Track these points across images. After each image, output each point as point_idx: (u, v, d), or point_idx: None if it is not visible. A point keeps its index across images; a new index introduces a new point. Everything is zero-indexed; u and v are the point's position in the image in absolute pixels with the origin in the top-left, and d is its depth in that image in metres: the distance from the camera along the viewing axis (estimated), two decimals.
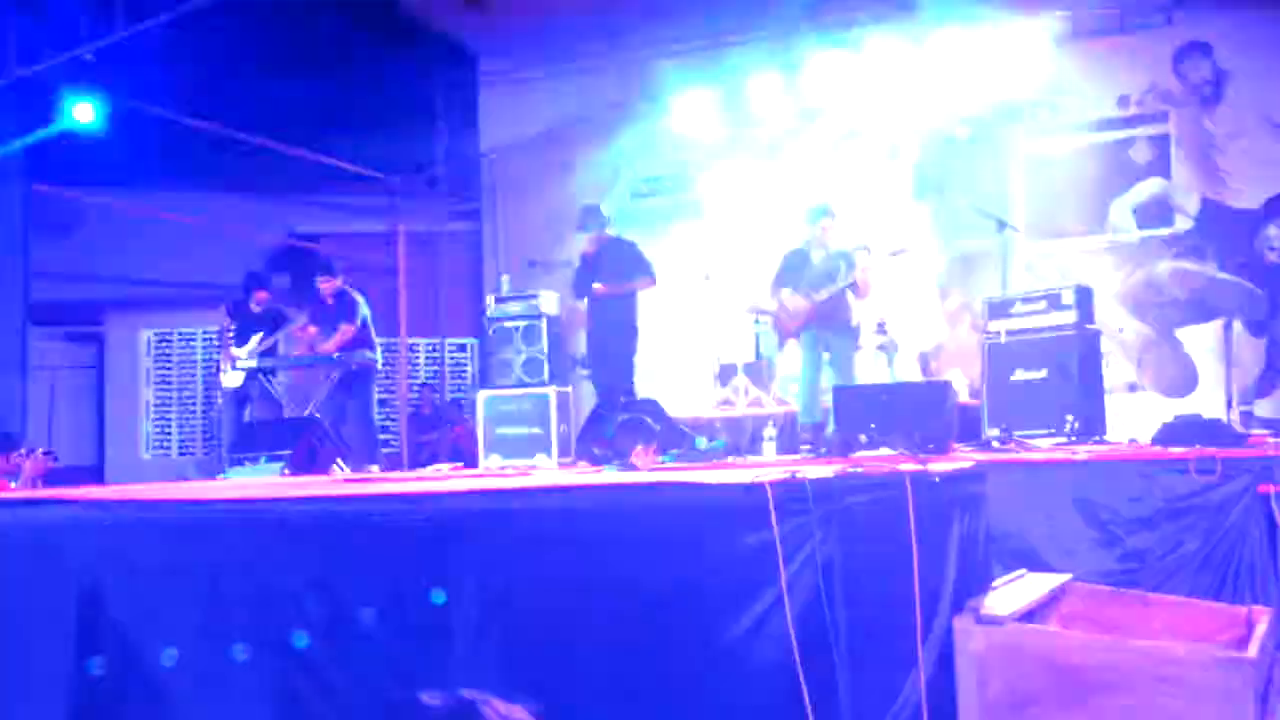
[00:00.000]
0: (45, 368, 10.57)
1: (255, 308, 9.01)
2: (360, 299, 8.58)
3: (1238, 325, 8.53)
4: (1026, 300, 7.37)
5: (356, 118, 11.39)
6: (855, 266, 7.36)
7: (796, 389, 8.26)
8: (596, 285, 7.74)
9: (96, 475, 11.00)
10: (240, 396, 8.92)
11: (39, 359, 9.48)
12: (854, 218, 9.28)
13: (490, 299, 9.93)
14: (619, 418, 7.01)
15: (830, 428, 6.75)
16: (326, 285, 8.51)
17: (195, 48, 8.67)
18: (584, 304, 8.17)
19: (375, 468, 8.02)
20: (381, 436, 11.46)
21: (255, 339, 8.83)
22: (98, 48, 7.81)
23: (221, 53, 9.93)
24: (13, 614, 3.05)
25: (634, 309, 7.92)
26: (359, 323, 8.44)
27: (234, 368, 8.71)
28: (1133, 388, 8.83)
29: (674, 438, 6.49)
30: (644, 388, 10.15)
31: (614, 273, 7.81)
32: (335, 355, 8.20)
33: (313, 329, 8.57)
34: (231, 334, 8.99)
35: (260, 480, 6.09)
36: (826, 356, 7.42)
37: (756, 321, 9.16)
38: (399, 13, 11.63)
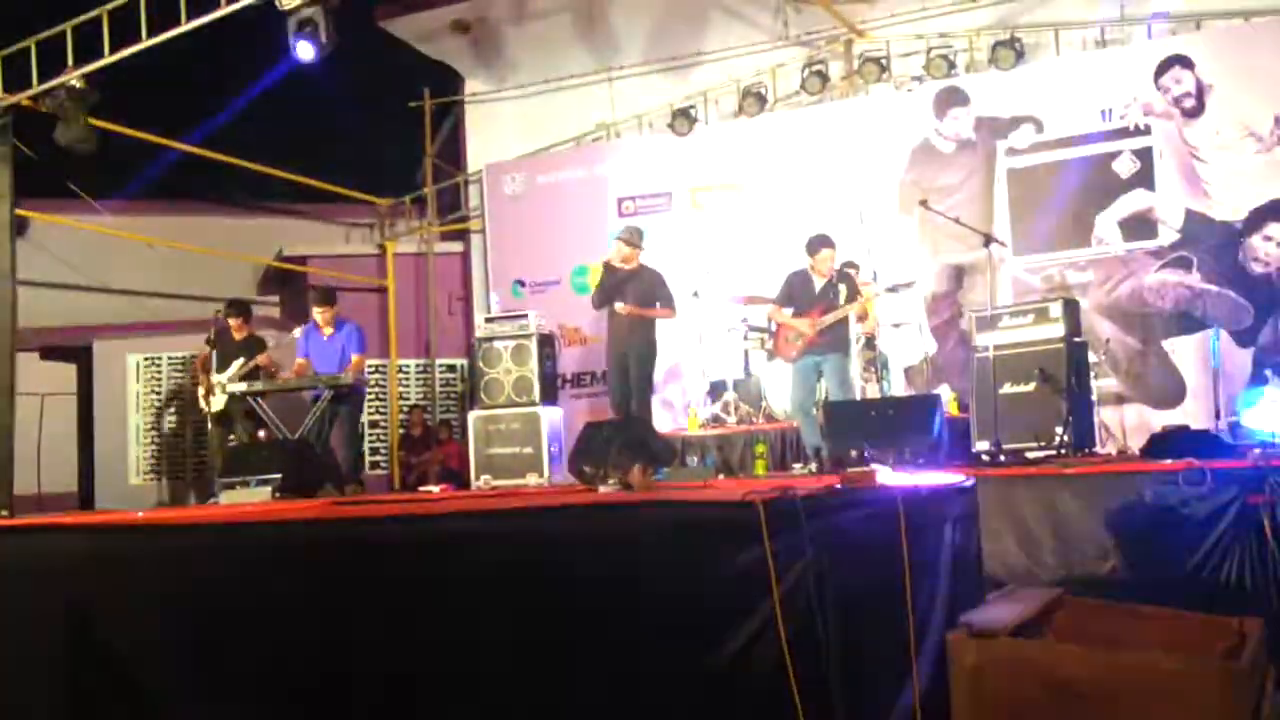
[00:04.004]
0: (33, 393, 10.51)
1: (237, 335, 9.03)
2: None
3: (1224, 336, 8.58)
4: (1014, 314, 7.41)
5: (345, 139, 11.41)
6: (856, 291, 7.61)
7: (789, 408, 8.28)
8: (622, 306, 7.98)
9: (85, 501, 10.93)
10: (224, 421, 8.91)
11: (25, 384, 9.42)
12: (845, 240, 9.35)
13: (480, 319, 9.96)
14: (609, 435, 7.02)
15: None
16: (325, 313, 8.54)
17: (183, 68, 8.68)
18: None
19: (354, 487, 8.01)
20: (372, 458, 11.46)
21: (237, 365, 8.82)
22: (87, 72, 7.78)
23: (211, 74, 9.96)
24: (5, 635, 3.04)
25: (655, 331, 8.15)
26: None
27: (223, 391, 8.71)
28: (1121, 400, 8.86)
29: (664, 456, 6.49)
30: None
31: (642, 296, 8.03)
32: (323, 379, 8.20)
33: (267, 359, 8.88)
34: (212, 361, 9.00)
35: (252, 503, 6.07)
36: (821, 379, 7.53)
37: (746, 338, 9.18)
38: (386, 36, 11.69)
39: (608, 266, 8.21)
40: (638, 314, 8.03)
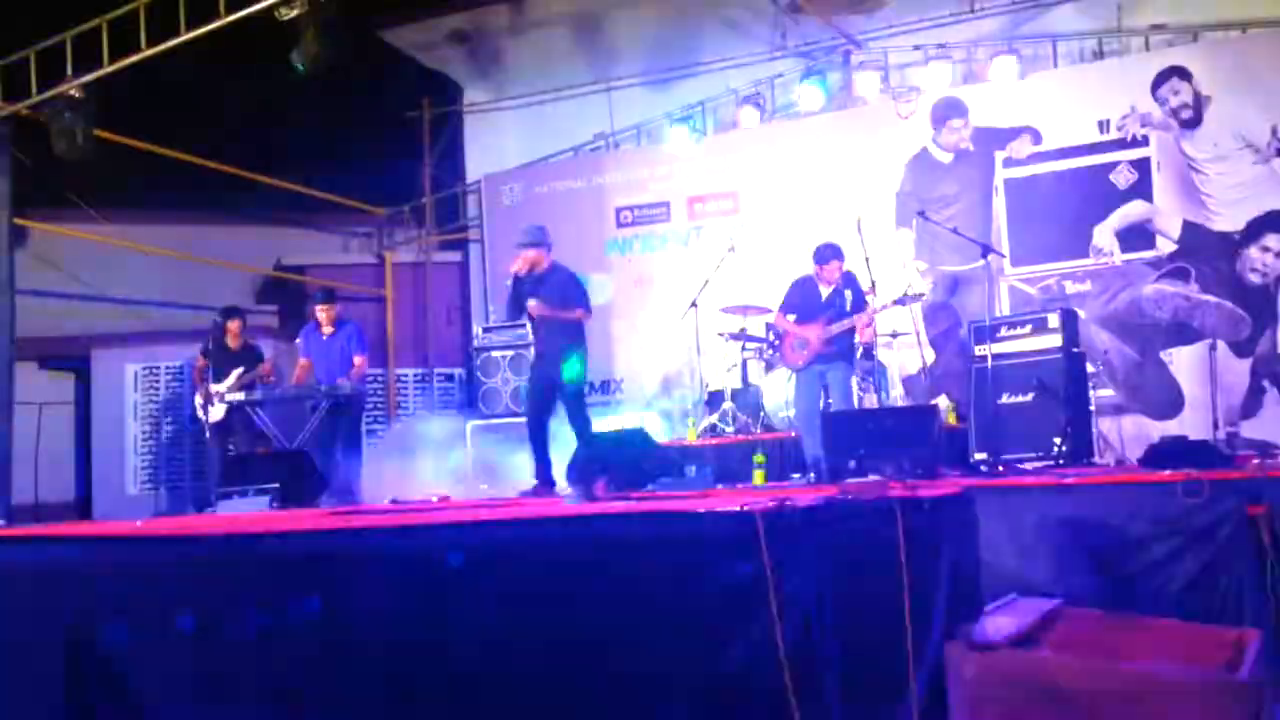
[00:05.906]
0: (30, 402, 10.50)
1: (231, 343, 9.01)
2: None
3: (1222, 347, 8.58)
4: (1012, 324, 7.42)
5: (344, 149, 11.41)
6: (863, 298, 7.51)
7: (785, 416, 8.28)
8: (532, 303, 7.16)
9: (83, 511, 10.91)
10: (223, 430, 8.89)
11: (24, 393, 9.41)
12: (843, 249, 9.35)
13: (478, 329, 9.96)
14: (606, 447, 7.01)
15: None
16: (327, 313, 8.55)
17: (182, 78, 8.70)
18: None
19: (352, 497, 8.02)
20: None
21: (235, 374, 8.81)
22: (86, 82, 7.79)
23: (210, 84, 9.97)
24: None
25: (582, 338, 7.38)
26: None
27: (222, 401, 8.70)
28: (1119, 410, 8.86)
29: (662, 466, 6.48)
30: (633, 415, 10.18)
31: (556, 298, 7.23)
32: (323, 386, 8.19)
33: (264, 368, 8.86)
34: (208, 370, 8.99)
35: (250, 513, 6.06)
36: (826, 388, 7.50)
37: (744, 348, 9.18)
38: (385, 46, 11.72)
39: (515, 278, 7.30)
40: (549, 314, 7.19)
